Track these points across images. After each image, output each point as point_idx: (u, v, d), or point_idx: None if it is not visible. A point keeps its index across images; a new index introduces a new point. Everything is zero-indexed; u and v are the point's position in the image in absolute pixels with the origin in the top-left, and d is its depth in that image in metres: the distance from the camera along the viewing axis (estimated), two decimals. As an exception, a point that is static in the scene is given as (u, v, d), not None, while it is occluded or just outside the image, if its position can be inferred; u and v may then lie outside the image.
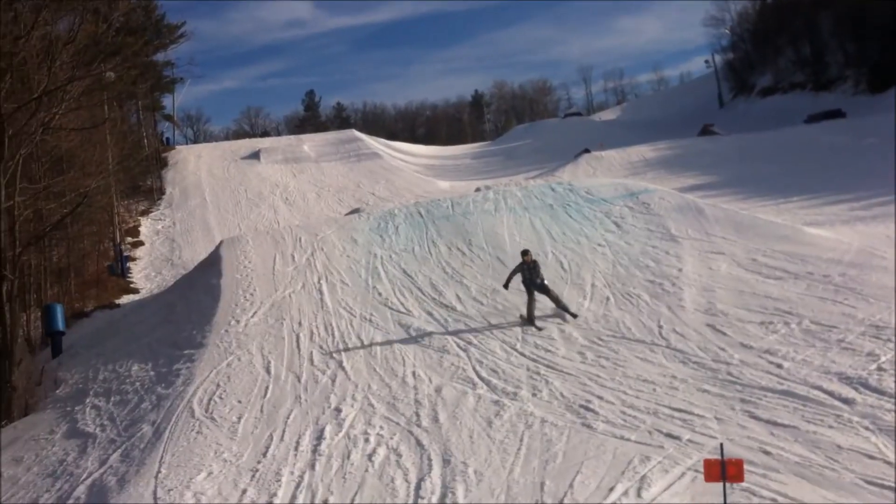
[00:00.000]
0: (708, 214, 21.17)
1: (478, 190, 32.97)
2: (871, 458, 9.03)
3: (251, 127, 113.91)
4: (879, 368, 11.49)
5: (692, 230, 20.31)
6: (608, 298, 16.68)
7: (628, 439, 10.16)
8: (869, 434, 9.60)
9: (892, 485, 8.34)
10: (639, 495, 8.59)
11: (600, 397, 11.73)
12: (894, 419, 9.85)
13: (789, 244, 18.58)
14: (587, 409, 11.32)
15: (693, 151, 45.09)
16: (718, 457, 7.38)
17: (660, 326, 14.69)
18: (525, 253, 16.88)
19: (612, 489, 8.75)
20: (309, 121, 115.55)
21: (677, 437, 10.05)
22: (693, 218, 21.11)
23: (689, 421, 10.55)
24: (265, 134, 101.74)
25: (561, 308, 15.98)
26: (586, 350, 13.94)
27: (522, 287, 16.41)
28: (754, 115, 64.83)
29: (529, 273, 16.36)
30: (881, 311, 13.83)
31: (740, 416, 10.53)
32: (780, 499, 8.27)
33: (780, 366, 12.12)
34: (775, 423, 10.18)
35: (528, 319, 15.79)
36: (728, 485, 7.52)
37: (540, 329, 15.26)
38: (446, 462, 9.98)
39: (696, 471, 8.77)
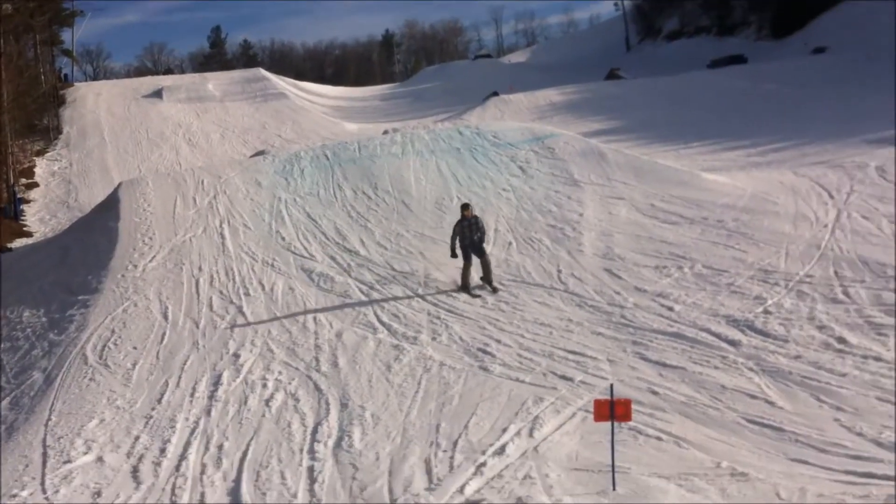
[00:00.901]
0: (610, 160, 21.49)
1: (385, 133, 32.78)
2: (754, 397, 9.41)
3: (154, 64, 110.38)
4: (765, 311, 11.95)
5: (594, 175, 20.60)
6: (510, 243, 16.87)
7: (523, 381, 10.38)
8: (752, 375, 10.00)
9: (773, 423, 8.73)
10: (531, 435, 8.80)
11: (498, 341, 11.93)
12: (779, 360, 10.29)
13: (687, 189, 19.04)
14: (485, 352, 11.51)
15: (599, 96, 45.52)
16: (608, 397, 7.58)
17: (559, 271, 14.96)
18: (465, 207, 15.14)
19: (505, 430, 8.95)
20: (214, 58, 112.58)
21: (570, 379, 10.32)
22: (596, 163, 21.39)
23: (582, 363, 10.83)
24: (168, 71, 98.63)
25: (486, 279, 14.45)
26: (486, 294, 14.11)
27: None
28: (660, 59, 65.71)
29: (469, 231, 14.70)
30: (770, 256, 14.34)
31: (631, 358, 10.86)
32: (664, 437, 8.57)
33: (671, 309, 12.50)
34: (664, 365, 10.54)
35: (462, 285, 14.45)
36: (616, 424, 7.74)
37: (475, 297, 14.02)
38: (344, 406, 10.05)
39: (587, 411, 9.00)
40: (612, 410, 7.50)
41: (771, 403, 9.23)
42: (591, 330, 12.07)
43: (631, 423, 8.47)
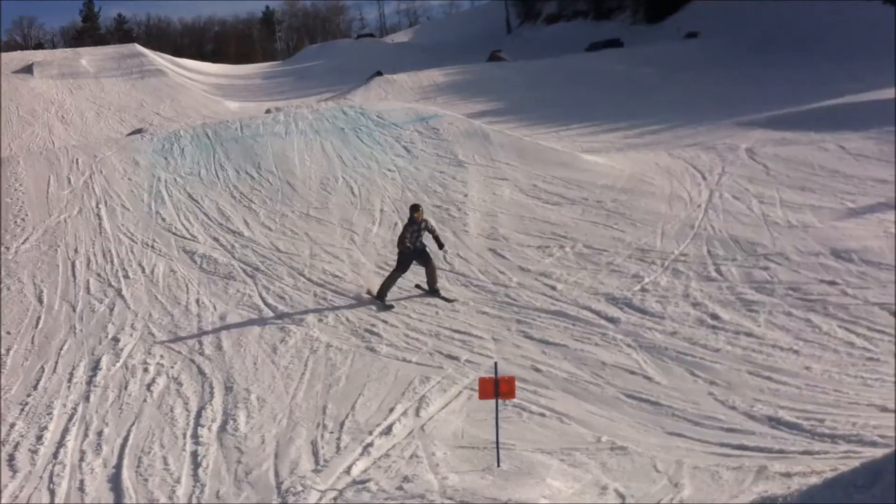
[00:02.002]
0: (494, 140, 21.70)
1: (268, 111, 32.17)
2: (632, 373, 9.74)
3: (24, 39, 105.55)
4: (643, 289, 12.34)
5: (478, 156, 20.78)
6: (396, 223, 16.86)
7: (410, 361, 10.46)
8: (631, 351, 10.34)
9: (650, 398, 9.05)
10: (417, 414, 8.90)
11: (385, 321, 11.97)
12: (655, 336, 10.66)
13: (568, 170, 19.41)
14: (372, 332, 11.54)
15: (482, 77, 45.88)
16: (492, 375, 7.70)
17: (444, 251, 15.04)
18: (416, 209, 13.37)
19: (392, 409, 9.01)
20: (87, 33, 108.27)
21: (456, 358, 10.45)
22: (480, 144, 21.57)
23: (468, 342, 10.98)
24: (39, 46, 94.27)
25: (433, 288, 13.14)
26: (373, 275, 14.11)
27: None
28: (540, 42, 66.66)
29: (416, 237, 13.16)
30: (647, 235, 14.79)
31: (515, 336, 11.07)
32: (547, 413, 8.79)
33: (553, 287, 12.77)
34: (547, 342, 10.78)
35: (379, 293, 12.96)
36: (501, 401, 7.89)
37: (389, 308, 12.66)
38: (228, 389, 9.93)
39: (472, 389, 9.15)
40: (497, 388, 7.63)
41: (648, 379, 9.56)
42: (477, 309, 12.23)
43: (515, 401, 8.64)
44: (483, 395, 7.69)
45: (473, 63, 52.63)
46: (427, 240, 13.36)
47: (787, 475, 6.78)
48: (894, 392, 8.44)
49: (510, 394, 7.78)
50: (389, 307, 12.67)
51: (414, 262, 13.26)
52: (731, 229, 14.57)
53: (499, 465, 7.54)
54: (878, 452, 6.30)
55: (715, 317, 11.02)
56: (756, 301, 11.39)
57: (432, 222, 13.93)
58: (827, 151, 19.11)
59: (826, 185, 16.74)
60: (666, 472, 7.25)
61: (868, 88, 26.18)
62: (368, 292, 13.27)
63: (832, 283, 11.61)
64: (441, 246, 13.52)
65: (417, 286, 13.43)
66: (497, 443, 7.65)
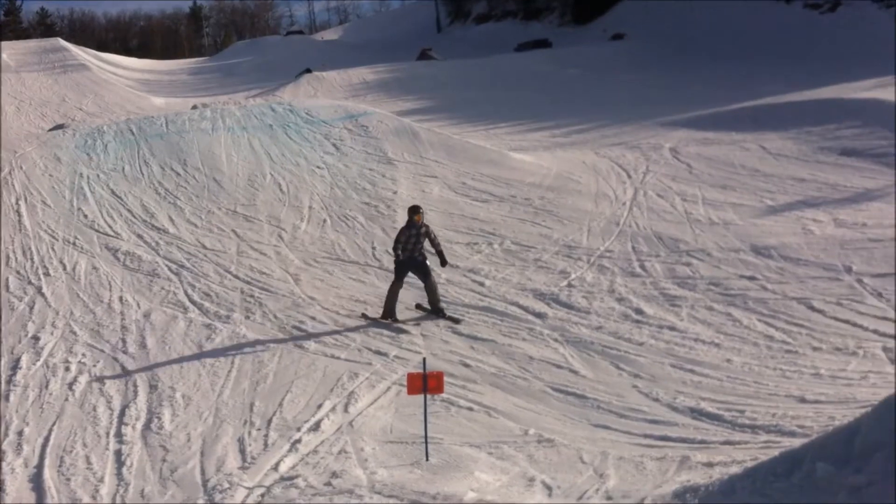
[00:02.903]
0: (423, 138, 21.76)
1: (194, 107, 31.70)
2: (559, 367, 9.86)
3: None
4: (569, 285, 12.50)
5: (408, 153, 20.81)
6: (325, 220, 16.80)
7: (339, 357, 10.43)
8: (557, 345, 10.47)
9: (576, 391, 9.17)
10: (346, 410, 8.87)
11: (313, 318, 11.90)
12: (581, 331, 10.81)
13: (496, 168, 19.56)
14: (300, 329, 11.46)
15: (412, 75, 45.84)
16: (421, 371, 7.73)
17: (373, 248, 15.07)
18: (415, 210, 12.07)
19: (320, 406, 8.97)
20: (8, 27, 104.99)
21: (385, 354, 10.45)
22: (409, 141, 21.62)
23: (396, 338, 10.99)
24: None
25: (435, 307, 11.84)
26: (301, 272, 14.02)
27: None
28: (470, 41, 66.82)
29: (414, 243, 11.91)
30: (574, 232, 14.99)
31: (444, 332, 11.12)
32: (475, 407, 8.86)
33: (482, 284, 12.86)
34: (475, 338, 10.86)
35: (386, 310, 11.76)
36: (429, 396, 7.91)
37: (398, 322, 11.58)
38: (153, 388, 9.76)
39: (401, 385, 9.16)
40: (425, 383, 7.65)
41: (575, 372, 9.69)
42: (406, 306, 12.23)
43: (443, 395, 8.69)
44: (412, 390, 7.71)
45: (403, 61, 52.56)
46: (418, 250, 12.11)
47: (709, 465, 6.94)
48: (811, 383, 8.70)
49: (438, 389, 7.82)
50: (397, 320, 11.57)
51: (411, 273, 11.98)
52: (655, 226, 14.85)
53: (427, 460, 7.56)
54: (797, 442, 6.50)
55: (639, 311, 11.22)
56: (679, 296, 11.63)
57: (434, 230, 12.47)
58: (748, 151, 19.59)
59: (746, 184, 17.17)
60: (592, 463, 7.36)
61: (788, 90, 26.89)
62: (363, 316, 11.93)
63: (752, 278, 11.92)
64: (444, 262, 12.06)
65: (418, 306, 12.16)
66: (426, 437, 7.68)
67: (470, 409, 8.85)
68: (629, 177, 18.47)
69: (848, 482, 4.96)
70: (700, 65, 40.24)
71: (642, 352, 10.03)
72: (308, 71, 49.26)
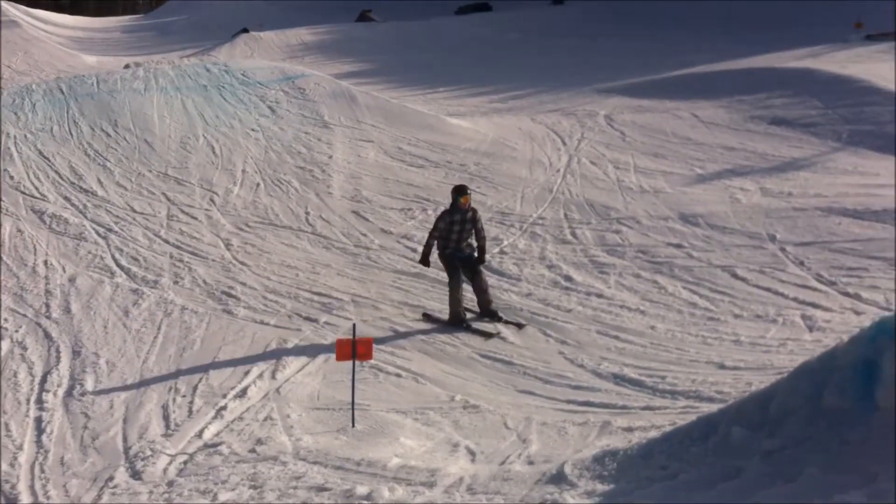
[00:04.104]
0: (360, 102, 21.61)
1: (127, 67, 31.10)
2: (489, 334, 9.93)
3: None
4: (501, 252, 12.58)
5: (344, 117, 20.66)
6: (259, 185, 16.62)
7: (268, 324, 10.37)
8: (487, 311, 10.53)
9: (504, 357, 9.26)
10: (273, 377, 8.84)
11: (243, 283, 11.80)
12: (511, 297, 10.88)
13: (433, 133, 19.52)
14: (229, 295, 11.35)
15: (351, 37, 45.46)
16: (350, 337, 7.73)
17: (307, 213, 14.96)
18: (462, 191, 10.26)
19: (247, 373, 8.92)
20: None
21: (315, 320, 10.43)
22: (346, 105, 21.46)
23: (327, 304, 10.96)
24: None
25: (487, 309, 10.27)
26: (232, 237, 13.87)
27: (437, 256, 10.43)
28: (410, 3, 66.30)
29: (459, 231, 10.22)
30: (507, 199, 15.07)
31: (375, 298, 11.11)
32: (403, 374, 8.90)
33: (415, 250, 12.83)
34: (406, 304, 10.88)
35: (453, 314, 10.12)
36: (358, 363, 7.93)
37: (466, 327, 10.03)
38: (76, 354, 9.61)
39: (331, 351, 9.14)
40: (354, 350, 7.67)
41: (503, 339, 9.78)
42: (338, 271, 12.21)
43: (372, 362, 8.72)
44: (340, 356, 7.72)
45: (343, 22, 52.04)
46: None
47: (629, 429, 7.08)
48: (731, 350, 8.91)
49: (367, 355, 7.84)
50: (469, 326, 10.08)
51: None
52: (588, 194, 14.99)
53: (353, 426, 7.59)
54: (715, 407, 6.65)
55: (568, 278, 11.34)
56: (607, 263, 11.79)
57: (481, 219, 10.61)
58: (680, 119, 19.81)
59: (678, 152, 17.39)
60: (516, 428, 7.46)
61: (721, 59, 27.21)
62: (425, 317, 10.44)
63: (679, 246, 12.12)
64: (482, 259, 10.42)
65: (426, 316, 10.45)
66: (352, 404, 7.70)
67: (398, 375, 8.89)
68: (564, 144, 18.57)
69: (762, 446, 5.10)
70: (639, 32, 40.52)
71: (570, 318, 10.15)
72: (244, 31, 48.56)
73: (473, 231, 10.33)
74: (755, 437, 5.26)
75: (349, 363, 7.79)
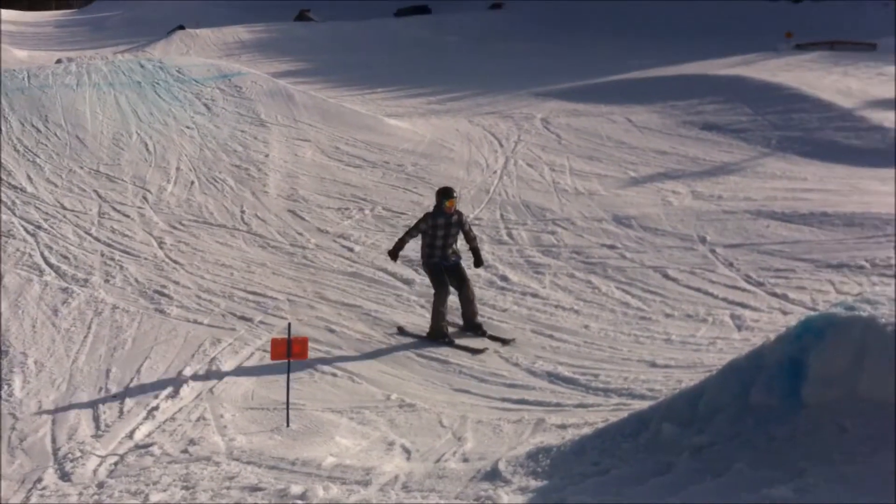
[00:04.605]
0: (298, 101, 21.54)
1: (59, 62, 30.43)
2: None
3: None
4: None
5: (281, 116, 20.57)
6: (193, 182, 16.43)
7: (201, 323, 10.25)
8: (423, 312, 10.52)
9: (439, 357, 9.28)
10: (206, 377, 8.73)
11: (176, 282, 11.64)
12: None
13: (370, 134, 19.53)
14: (162, 294, 11.19)
15: (289, 37, 45.16)
16: (285, 336, 7.69)
17: (242, 211, 14.83)
18: (448, 194, 9.70)
19: (180, 372, 8.81)
20: None
21: (249, 320, 10.34)
22: (283, 104, 21.37)
23: (262, 303, 10.88)
24: None
25: (471, 323, 9.76)
26: (166, 235, 13.68)
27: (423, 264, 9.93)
28: (348, 4, 66.03)
29: (444, 237, 9.64)
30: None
31: (311, 298, 11.06)
32: (339, 373, 8.87)
33: (351, 249, 12.85)
34: (342, 304, 10.85)
35: (434, 328, 9.62)
36: (293, 362, 7.88)
37: (449, 342, 9.49)
38: (4, 353, 9.36)
39: (265, 350, 9.08)
40: (289, 349, 7.63)
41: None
42: (273, 271, 12.13)
43: (308, 361, 8.66)
44: (275, 355, 7.67)
45: (281, 21, 51.63)
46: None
47: (563, 427, 7.16)
48: (662, 348, 9.07)
49: (303, 354, 7.79)
50: (451, 342, 9.51)
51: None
52: (524, 195, 15.12)
53: (288, 426, 7.55)
54: (646, 404, 6.76)
55: (504, 278, 11.43)
56: (543, 263, 11.90)
57: (469, 222, 10.17)
58: (615, 123, 20.11)
59: (612, 155, 17.66)
60: (451, 426, 7.49)
61: (655, 65, 27.65)
62: (400, 330, 9.96)
63: (612, 247, 12.29)
64: (479, 263, 10.02)
65: (401, 330, 9.94)
66: (287, 403, 7.66)
67: (334, 374, 8.87)
68: (501, 146, 18.71)
69: (691, 442, 5.21)
70: (576, 37, 40.95)
71: (505, 318, 10.22)
72: (181, 28, 47.90)
73: (460, 235, 9.82)
74: (685, 434, 5.37)
75: (284, 362, 7.74)
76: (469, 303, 9.78)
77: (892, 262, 10.75)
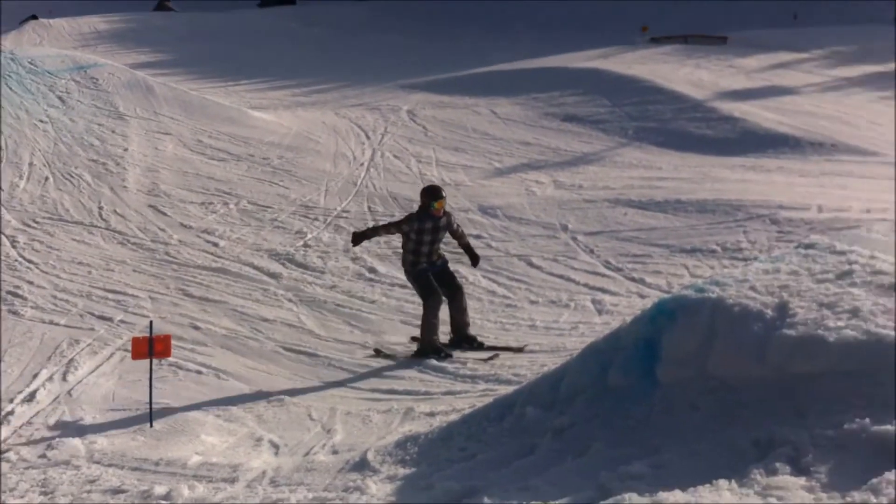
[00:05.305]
0: (158, 93, 21.01)
1: None
2: (292, 326, 9.91)
3: None
4: (305, 245, 12.55)
5: (141, 109, 20.02)
6: (47, 178, 15.82)
7: (58, 324, 9.89)
8: (291, 305, 10.50)
9: (308, 350, 9.24)
10: (64, 379, 8.44)
11: (30, 282, 11.19)
12: (316, 290, 10.89)
13: (234, 126, 19.23)
14: (15, 295, 10.74)
15: (148, 27, 43.87)
16: (147, 335, 7.51)
17: (100, 207, 14.37)
18: (437, 194, 8.80)
19: (36, 375, 8.47)
20: None
21: (109, 319, 10.04)
22: (143, 96, 20.80)
23: (123, 302, 10.59)
24: None
25: (463, 333, 8.97)
26: (18, 233, 13.12)
27: (406, 270, 9.05)
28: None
29: (431, 242, 8.79)
30: (311, 192, 15.06)
31: (174, 295, 10.84)
32: (204, 370, 8.72)
33: (216, 244, 12.64)
34: (207, 300, 10.67)
35: (426, 341, 8.76)
36: (156, 360, 7.71)
37: (445, 357, 8.61)
38: None
39: (126, 350, 8.82)
40: (151, 347, 7.45)
41: (308, 331, 9.78)
42: (134, 268, 11.83)
43: (171, 359, 8.46)
44: (137, 355, 7.49)
45: (139, 11, 50.03)
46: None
47: (431, 414, 7.25)
48: (528, 334, 9.29)
49: (165, 353, 7.63)
50: (447, 356, 8.64)
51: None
52: (391, 187, 15.20)
53: (151, 426, 7.37)
54: (512, 389, 6.91)
55: (372, 270, 11.46)
56: (410, 254, 11.98)
57: (458, 223, 9.39)
58: (480, 115, 20.39)
59: (477, 147, 17.92)
60: (320, 419, 7.46)
61: (518, 58, 28.14)
62: (378, 353, 9.04)
63: (478, 236, 12.47)
64: (476, 261, 9.36)
65: (378, 352, 9.01)
66: (150, 403, 7.47)
67: (199, 372, 8.70)
68: (368, 138, 18.72)
69: (553, 424, 5.36)
70: (440, 30, 41.25)
71: (374, 309, 10.27)
72: (33, 17, 45.94)
73: (440, 237, 8.89)
74: (547, 416, 5.53)
75: (146, 362, 7.55)
76: (462, 312, 8.98)
77: (742, 245, 11.30)
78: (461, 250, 9.46)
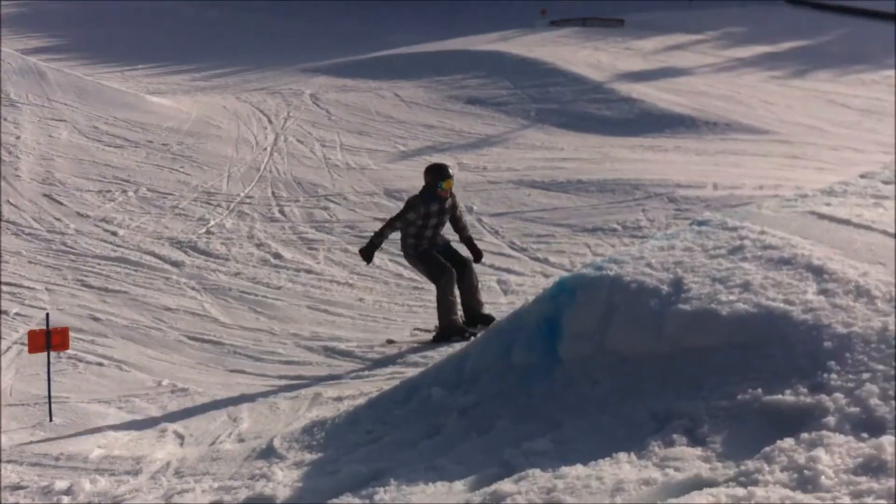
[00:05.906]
0: (51, 79, 20.32)
1: None
2: (196, 314, 9.80)
3: None
4: (208, 232, 12.37)
5: (33, 95, 19.35)
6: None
7: (-55, 320, 9.56)
8: (195, 294, 10.37)
9: (213, 338, 9.13)
10: (-44, 376, 8.18)
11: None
12: (220, 277, 10.75)
13: (132, 112, 18.80)
14: None
15: (41, 11, 42.33)
16: (44, 327, 7.33)
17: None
18: (443, 174, 8.09)
19: (-75, 374, 8.19)
20: None
21: (5, 312, 9.78)
22: (35, 82, 20.09)
23: (18, 294, 10.32)
24: None
25: (477, 313, 8.27)
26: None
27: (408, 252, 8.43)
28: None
29: (435, 227, 8.16)
30: (213, 178, 14.85)
31: (72, 286, 10.61)
32: (105, 362, 8.57)
33: (115, 233, 12.38)
34: (107, 290, 10.47)
35: (447, 325, 8.09)
36: (54, 353, 7.53)
37: (470, 336, 7.44)
38: None
39: (23, 344, 8.58)
40: (49, 340, 7.27)
41: (213, 319, 9.69)
42: (29, 259, 11.50)
43: (70, 352, 8.29)
44: (33, 348, 7.31)
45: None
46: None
47: (339, 399, 7.23)
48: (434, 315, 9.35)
49: (63, 345, 7.47)
50: (473, 334, 7.51)
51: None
52: (295, 171, 15.08)
53: (51, 420, 7.21)
54: (418, 371, 6.96)
55: (277, 256, 11.39)
56: (316, 239, 11.95)
57: (461, 206, 8.64)
58: (383, 98, 20.36)
59: (381, 130, 17.91)
60: (226, 408, 7.40)
61: (420, 41, 28.11)
62: (389, 342, 8.56)
63: (382, 220, 12.45)
64: (479, 256, 8.53)
65: (390, 341, 8.52)
66: (49, 397, 7.30)
67: (99, 364, 8.54)
68: (270, 122, 18.52)
69: (458, 403, 5.42)
70: (339, 13, 40.87)
71: (280, 295, 10.20)
72: (-89, 0, 43.75)
73: (448, 217, 8.18)
74: (453, 396, 5.59)
75: (44, 355, 7.37)
76: (475, 291, 8.24)
77: (641, 223, 11.58)
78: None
